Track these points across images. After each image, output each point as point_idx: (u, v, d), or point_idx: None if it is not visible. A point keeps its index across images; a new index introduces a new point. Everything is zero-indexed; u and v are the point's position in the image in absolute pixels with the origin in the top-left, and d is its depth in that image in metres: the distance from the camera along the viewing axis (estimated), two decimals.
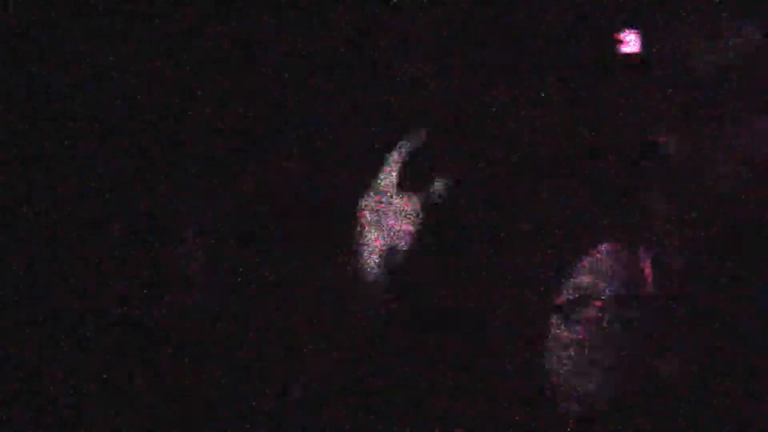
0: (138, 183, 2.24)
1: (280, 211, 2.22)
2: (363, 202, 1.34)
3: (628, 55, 2.05)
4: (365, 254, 1.31)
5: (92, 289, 2.17)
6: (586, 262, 1.54)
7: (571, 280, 1.56)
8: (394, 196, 1.35)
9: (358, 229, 1.33)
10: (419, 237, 1.32)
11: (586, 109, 2.17)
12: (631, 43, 1.98)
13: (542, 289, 2.15)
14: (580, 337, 1.58)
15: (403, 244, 1.29)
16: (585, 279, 1.55)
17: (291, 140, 2.26)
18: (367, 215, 1.30)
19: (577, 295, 1.53)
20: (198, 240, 2.23)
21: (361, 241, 1.33)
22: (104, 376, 2.13)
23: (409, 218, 1.32)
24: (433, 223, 2.17)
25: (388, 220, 1.31)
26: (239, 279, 2.19)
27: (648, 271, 1.79)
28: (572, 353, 1.65)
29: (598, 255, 1.51)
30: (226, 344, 2.15)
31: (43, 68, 2.26)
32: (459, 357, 2.14)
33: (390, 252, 1.31)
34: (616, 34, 2.01)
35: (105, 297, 2.17)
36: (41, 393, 2.12)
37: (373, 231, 1.31)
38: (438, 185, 1.38)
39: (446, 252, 2.27)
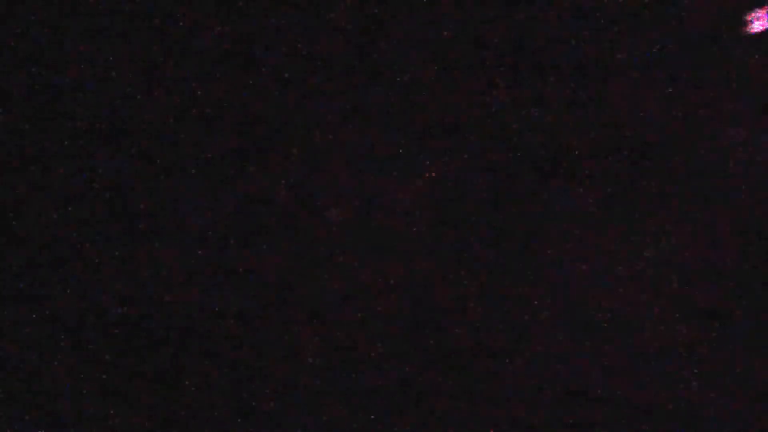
0: (138, 183, 2.24)
1: (281, 211, 2.22)
2: None
3: (757, 35, 2.02)
4: None
5: (92, 289, 2.17)
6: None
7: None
8: None
9: None
10: None
11: (586, 109, 2.17)
12: (759, 21, 1.94)
13: (542, 288, 2.15)
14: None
15: None
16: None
17: (291, 140, 2.26)
18: None
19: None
20: (198, 240, 2.23)
21: None
22: (104, 376, 2.13)
23: None
24: (432, 222, 2.17)
25: None
26: (239, 279, 2.19)
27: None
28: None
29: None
30: (226, 344, 2.16)
31: (43, 68, 2.26)
32: (459, 357, 2.14)
33: None
34: (747, 14, 1.97)
35: (105, 297, 2.17)
36: (41, 393, 2.12)
37: None
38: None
39: (446, 252, 2.27)
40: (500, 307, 2.15)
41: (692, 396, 2.05)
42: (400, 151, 2.22)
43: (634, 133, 2.15)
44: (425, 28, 2.25)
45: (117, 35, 2.28)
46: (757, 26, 1.92)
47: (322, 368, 2.14)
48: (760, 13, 1.92)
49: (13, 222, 2.19)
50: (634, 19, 2.16)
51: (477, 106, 2.21)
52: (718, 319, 2.05)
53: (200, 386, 2.14)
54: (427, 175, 2.22)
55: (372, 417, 2.10)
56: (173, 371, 2.14)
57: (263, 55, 2.28)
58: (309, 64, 2.27)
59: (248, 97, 2.25)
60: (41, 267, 2.19)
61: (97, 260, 2.20)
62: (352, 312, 2.16)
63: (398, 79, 2.24)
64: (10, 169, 2.23)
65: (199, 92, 2.27)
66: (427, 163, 2.21)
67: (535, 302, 2.14)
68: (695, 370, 2.04)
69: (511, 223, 2.17)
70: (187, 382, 2.14)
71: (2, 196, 2.21)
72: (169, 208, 2.23)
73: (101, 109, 2.26)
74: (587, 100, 2.17)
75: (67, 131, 2.25)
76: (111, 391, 2.13)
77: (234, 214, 2.23)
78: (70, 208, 2.22)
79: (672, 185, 2.12)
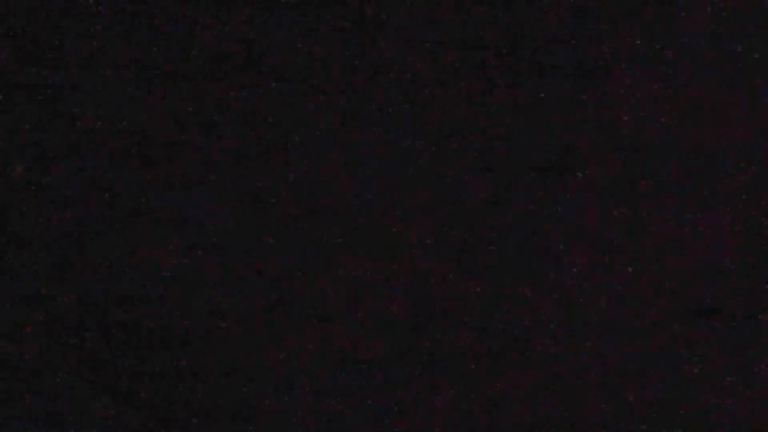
0: (138, 183, 2.24)
1: (281, 211, 2.22)
2: None
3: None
4: None
5: (92, 289, 2.17)
6: None
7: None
8: None
9: None
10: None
11: (586, 109, 2.17)
12: None
13: (542, 288, 2.15)
14: None
15: None
16: None
17: (291, 140, 2.26)
18: None
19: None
20: (198, 240, 2.23)
21: None
22: (103, 376, 2.13)
23: None
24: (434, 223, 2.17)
25: None
26: (240, 279, 2.19)
27: None
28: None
29: None
30: (226, 344, 2.15)
31: (43, 68, 2.26)
32: (459, 357, 2.14)
33: None
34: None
35: (105, 297, 2.17)
36: (41, 393, 2.12)
37: None
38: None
39: (446, 252, 2.26)
40: (500, 307, 2.15)
41: (692, 396, 2.04)
42: (401, 151, 2.22)
43: (634, 133, 2.15)
44: (425, 28, 2.25)
45: (117, 35, 2.27)
46: None
47: (322, 368, 2.14)
48: None
49: (13, 222, 2.19)
50: (634, 19, 2.16)
51: (477, 106, 2.21)
52: (718, 319, 2.05)
53: (200, 386, 2.14)
54: (428, 175, 2.22)
55: (372, 417, 2.10)
56: (173, 371, 2.14)
57: (263, 55, 2.28)
58: (309, 64, 2.27)
59: (248, 97, 2.25)
60: (41, 267, 2.18)
61: (97, 260, 2.20)
62: (352, 312, 2.16)
63: (398, 79, 2.24)
64: (10, 169, 2.23)
65: (199, 92, 2.27)
66: (428, 163, 2.21)
67: (535, 302, 2.14)
68: (695, 370, 2.04)
69: (511, 223, 2.16)
70: (187, 382, 2.13)
71: (2, 196, 2.21)
72: (169, 208, 2.23)
73: (101, 109, 2.26)
74: (587, 100, 2.17)
75: (67, 131, 2.25)
76: (111, 391, 2.13)
77: (234, 214, 2.23)
78: (70, 208, 2.22)
79: (672, 185, 2.12)
